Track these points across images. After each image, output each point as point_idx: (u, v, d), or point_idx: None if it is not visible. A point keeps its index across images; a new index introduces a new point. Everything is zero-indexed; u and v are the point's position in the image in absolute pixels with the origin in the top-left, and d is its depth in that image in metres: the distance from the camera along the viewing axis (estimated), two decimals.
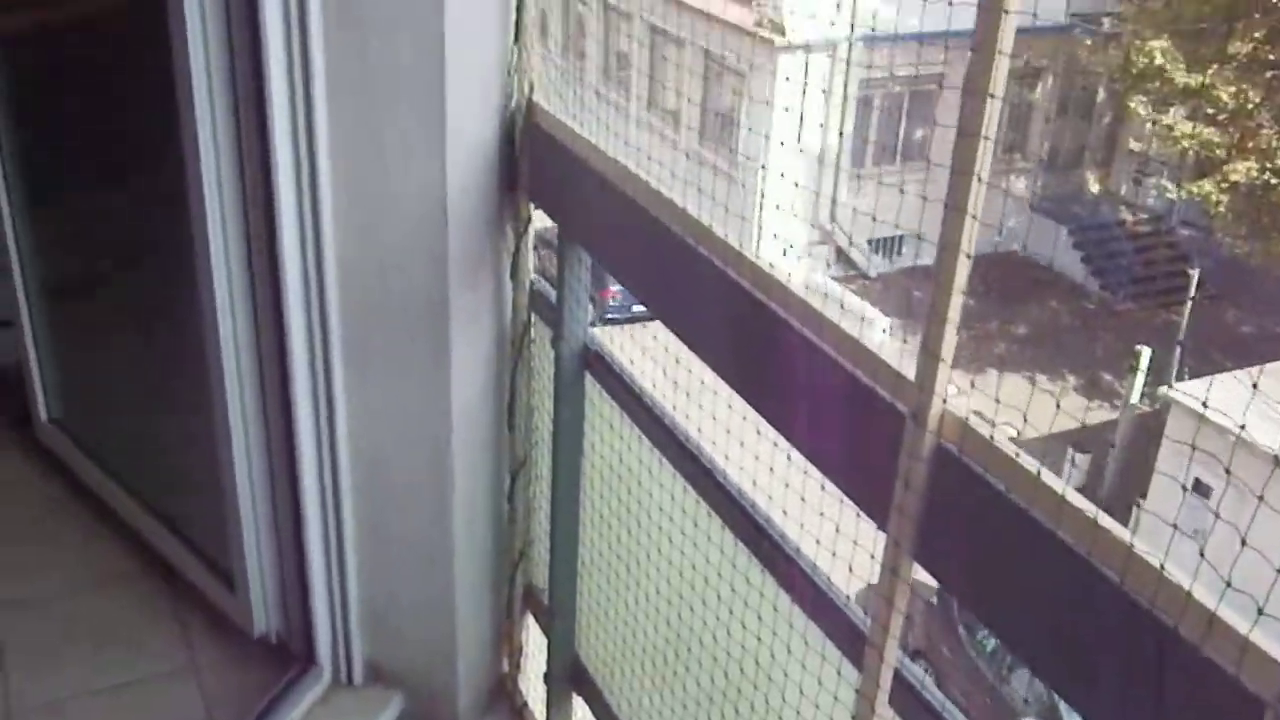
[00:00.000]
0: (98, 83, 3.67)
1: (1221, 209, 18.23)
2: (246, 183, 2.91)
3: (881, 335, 16.04)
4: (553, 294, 2.97)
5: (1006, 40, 1.57)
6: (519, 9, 2.75)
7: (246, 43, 2.72)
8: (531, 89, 2.81)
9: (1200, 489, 11.63)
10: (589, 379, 2.97)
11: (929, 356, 1.70)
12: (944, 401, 1.72)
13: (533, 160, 2.83)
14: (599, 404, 2.97)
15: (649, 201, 2.41)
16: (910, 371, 1.77)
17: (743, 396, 2.22)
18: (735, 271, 2.16)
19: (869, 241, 20.65)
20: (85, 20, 3.76)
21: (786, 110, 17.77)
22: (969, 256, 1.66)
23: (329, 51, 2.70)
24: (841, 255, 20.97)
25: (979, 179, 1.62)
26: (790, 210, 16.92)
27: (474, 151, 2.82)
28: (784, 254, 17.05)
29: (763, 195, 14.10)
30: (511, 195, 2.90)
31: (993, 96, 1.59)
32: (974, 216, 1.64)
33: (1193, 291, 17.40)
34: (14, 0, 3.94)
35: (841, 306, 2.18)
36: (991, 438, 1.66)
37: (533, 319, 3.11)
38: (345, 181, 2.84)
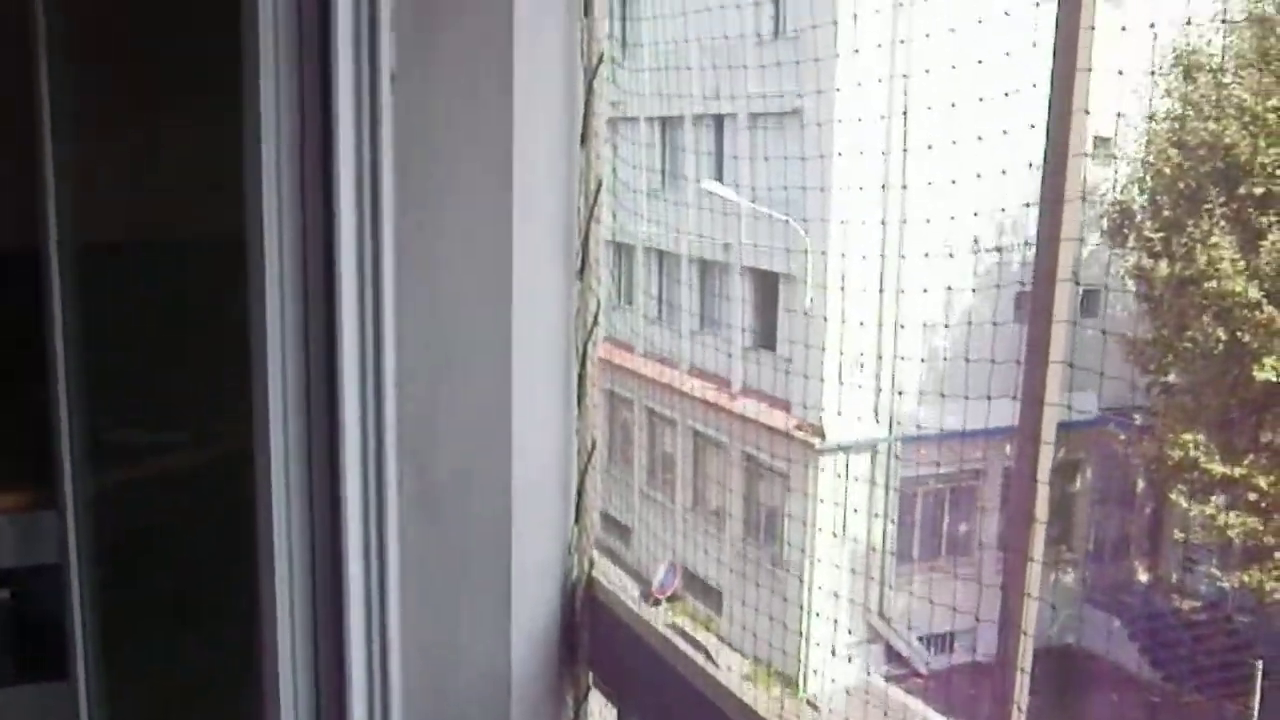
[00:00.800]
0: (177, 537, 3.91)
1: (1277, 596, 17.99)
2: (320, 645, 3.03)
3: None
4: None
5: (1044, 469, 1.73)
6: (580, 494, 2.97)
7: (327, 493, 2.91)
8: (591, 565, 2.99)
9: None
10: None
11: None
12: None
13: (593, 633, 2.97)
14: None
15: (705, 685, 2.53)
16: None
17: None
18: None
19: (919, 638, 20.37)
20: (166, 480, 4.06)
21: (830, 508, 18.05)
22: (1024, 672, 1.74)
23: (404, 521, 2.88)
24: (893, 652, 20.64)
25: (1029, 595, 1.74)
26: (838, 609, 16.86)
27: (536, 620, 2.98)
28: (833, 653, 16.85)
29: (809, 609, 14.12)
30: (572, 667, 3.02)
31: (1036, 520, 1.73)
32: (1026, 633, 1.74)
33: (1259, 680, 16.94)
34: (104, 462, 4.26)
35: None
36: None
37: None
38: (415, 646, 2.96)
